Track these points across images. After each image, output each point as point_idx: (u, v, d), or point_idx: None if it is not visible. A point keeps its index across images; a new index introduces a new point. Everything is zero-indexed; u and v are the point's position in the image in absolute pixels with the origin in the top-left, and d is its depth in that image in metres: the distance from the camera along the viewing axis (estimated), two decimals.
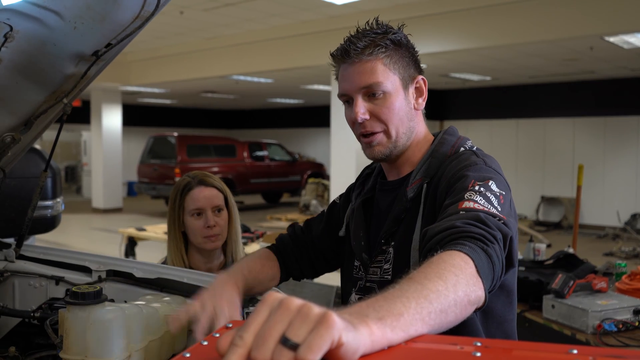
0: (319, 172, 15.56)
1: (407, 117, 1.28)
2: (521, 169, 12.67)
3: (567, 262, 3.28)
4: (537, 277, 3.08)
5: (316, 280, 4.78)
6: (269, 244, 1.53)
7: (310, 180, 12.79)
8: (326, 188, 11.82)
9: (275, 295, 0.58)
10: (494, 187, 1.09)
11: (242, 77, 11.42)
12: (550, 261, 3.38)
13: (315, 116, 18.02)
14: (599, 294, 2.82)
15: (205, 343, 0.65)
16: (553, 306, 2.79)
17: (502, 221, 1.01)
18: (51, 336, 1.23)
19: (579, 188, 4.66)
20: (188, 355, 0.62)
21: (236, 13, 8.38)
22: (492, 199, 1.06)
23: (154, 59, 11.68)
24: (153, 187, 13.11)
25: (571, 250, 3.44)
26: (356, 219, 1.39)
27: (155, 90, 14.37)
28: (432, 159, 1.27)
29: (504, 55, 9.14)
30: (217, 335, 0.66)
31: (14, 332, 1.49)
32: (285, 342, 0.52)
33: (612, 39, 7.50)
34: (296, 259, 1.49)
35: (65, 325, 1.09)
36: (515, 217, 1.16)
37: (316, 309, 0.55)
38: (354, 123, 1.27)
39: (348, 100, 1.28)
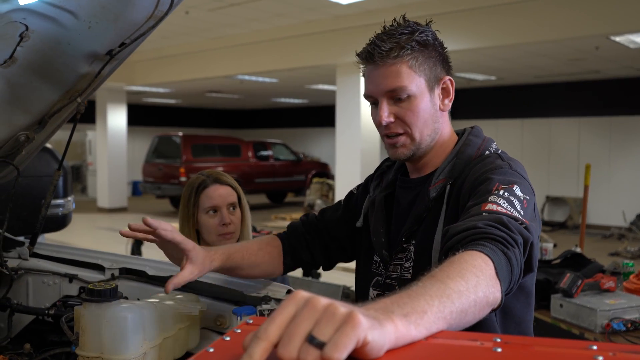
0: (324, 171, 15.55)
1: (431, 119, 1.27)
2: (526, 169, 12.51)
3: (575, 262, 3.27)
4: (545, 276, 3.07)
5: (323, 279, 4.77)
6: None
7: (315, 179, 12.81)
8: (331, 188, 11.82)
9: (301, 294, 0.58)
10: (518, 191, 1.10)
11: (246, 77, 11.43)
12: (558, 260, 3.37)
13: (319, 116, 18.01)
14: (607, 293, 2.82)
15: (228, 339, 0.65)
16: (561, 305, 2.79)
17: (524, 225, 1.02)
18: (67, 333, 1.24)
19: (586, 187, 4.62)
20: (212, 350, 0.62)
21: (241, 13, 8.39)
22: (516, 203, 1.07)
23: (159, 59, 11.70)
24: (158, 187, 13.14)
25: (578, 250, 3.43)
26: (376, 213, 1.38)
27: (160, 90, 14.40)
28: (457, 160, 1.27)
29: (509, 55, 9.12)
30: (239, 331, 0.67)
31: (27, 329, 1.50)
32: (311, 340, 0.53)
33: (618, 39, 7.48)
34: (307, 244, 1.47)
35: (81, 322, 1.10)
36: (539, 221, 1.17)
37: (342, 308, 0.55)
38: (379, 124, 1.27)
39: (374, 102, 1.28)
